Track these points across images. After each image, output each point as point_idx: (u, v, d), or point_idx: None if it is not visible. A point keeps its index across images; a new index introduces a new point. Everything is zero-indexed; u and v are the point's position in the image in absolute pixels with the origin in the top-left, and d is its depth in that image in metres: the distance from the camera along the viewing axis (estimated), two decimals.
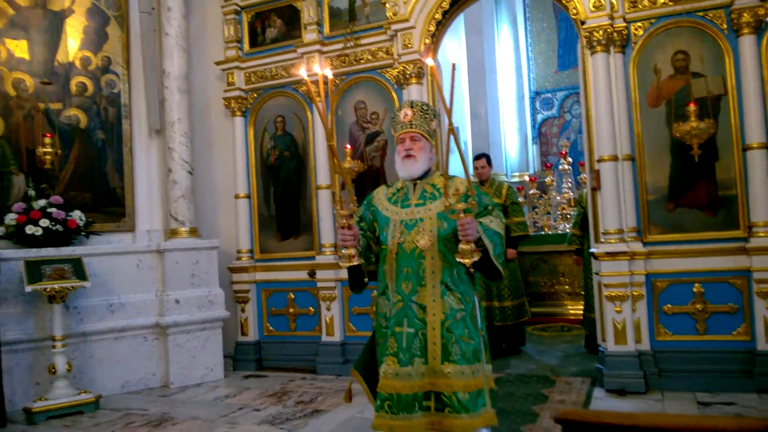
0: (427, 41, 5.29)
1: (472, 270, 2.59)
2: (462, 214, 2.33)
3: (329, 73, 2.35)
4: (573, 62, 10.80)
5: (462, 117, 10.10)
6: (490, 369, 2.70)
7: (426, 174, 2.75)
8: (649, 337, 4.65)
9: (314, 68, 2.38)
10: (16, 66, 5.32)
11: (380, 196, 2.85)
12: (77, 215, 5.28)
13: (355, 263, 2.53)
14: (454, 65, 2.16)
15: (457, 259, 2.39)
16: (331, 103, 5.79)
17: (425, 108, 2.74)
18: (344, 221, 2.48)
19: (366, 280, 2.81)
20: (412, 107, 2.72)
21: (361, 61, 5.67)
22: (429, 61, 2.29)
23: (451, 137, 2.24)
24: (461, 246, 2.35)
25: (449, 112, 2.23)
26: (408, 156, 2.69)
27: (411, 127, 2.69)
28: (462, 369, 2.52)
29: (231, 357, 6.14)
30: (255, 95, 6.19)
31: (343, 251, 2.52)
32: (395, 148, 2.79)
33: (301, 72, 2.54)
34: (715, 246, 4.50)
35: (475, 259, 2.35)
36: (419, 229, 2.61)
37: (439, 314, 2.57)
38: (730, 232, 4.49)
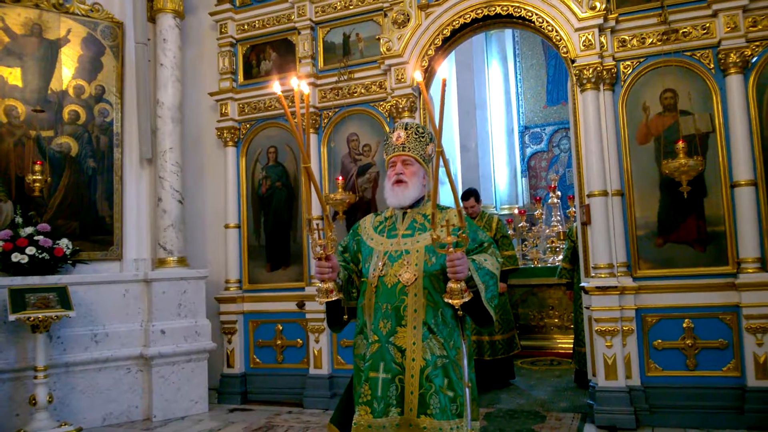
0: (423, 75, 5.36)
1: (460, 312, 2.30)
2: (452, 249, 2.07)
3: (306, 88, 2.16)
4: (561, 98, 11.00)
5: (452, 150, 10.19)
6: (477, 427, 2.42)
7: (418, 203, 2.51)
8: (640, 373, 4.63)
9: (291, 82, 2.20)
10: (9, 93, 5.32)
11: (367, 224, 2.61)
12: (64, 243, 5.21)
13: (333, 298, 2.28)
14: (444, 81, 1.95)
15: (445, 299, 2.14)
16: (324, 134, 5.85)
17: (420, 131, 2.49)
18: (321, 252, 2.22)
19: (345, 317, 2.54)
20: (406, 129, 2.48)
21: (355, 95, 5.73)
22: (417, 75, 2.06)
23: (441, 162, 2.00)
24: (450, 285, 2.10)
25: (438, 133, 2.00)
26: (398, 181, 2.45)
27: (403, 150, 2.45)
28: (440, 425, 2.24)
29: (216, 389, 6.02)
30: (248, 126, 6.21)
31: (320, 285, 2.28)
32: (386, 174, 2.54)
33: (275, 87, 2.18)
34: (704, 281, 4.52)
35: (465, 299, 2.10)
36: (404, 262, 2.37)
37: (419, 360, 2.29)
38: (719, 267, 4.52)
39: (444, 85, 1.95)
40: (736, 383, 4.42)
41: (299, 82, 2.15)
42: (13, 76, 5.35)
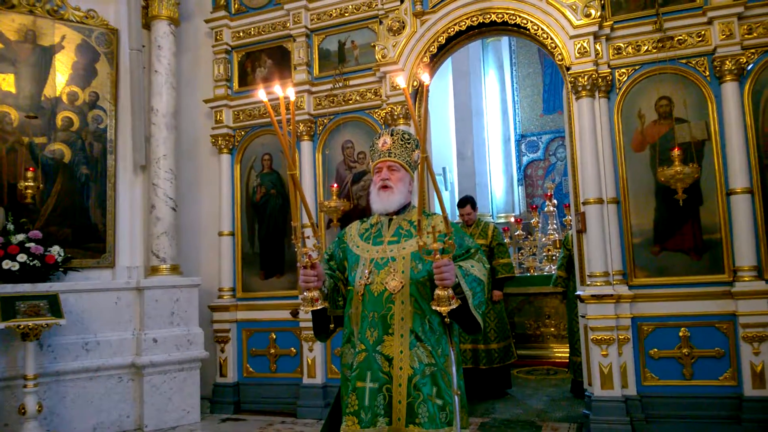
0: (415, 83, 5.34)
1: (447, 320, 2.27)
2: (438, 255, 2.05)
3: (292, 94, 2.14)
4: (558, 106, 11.03)
5: (449, 158, 10.19)
6: None
7: (404, 209, 2.49)
8: (636, 382, 4.59)
9: (275, 89, 2.18)
10: (2, 99, 5.28)
11: (353, 232, 2.59)
12: (56, 251, 5.16)
13: (319, 307, 2.25)
14: (427, 86, 2.00)
15: (433, 307, 2.12)
16: (319, 142, 5.83)
17: (406, 137, 2.47)
18: (306, 260, 2.19)
19: (332, 326, 2.51)
20: (392, 135, 2.47)
21: (350, 102, 5.71)
22: (400, 81, 2.07)
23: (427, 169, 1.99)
24: (437, 292, 2.08)
25: (423, 138, 2.02)
26: (384, 187, 2.43)
27: (389, 156, 2.44)
28: None
29: (208, 399, 5.95)
30: (243, 133, 6.19)
31: (305, 294, 2.24)
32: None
33: (260, 94, 2.17)
34: (700, 290, 4.50)
35: (453, 307, 2.08)
36: (390, 270, 2.34)
37: (406, 368, 2.26)
38: (715, 276, 4.49)
39: (426, 90, 1.97)
40: (733, 392, 4.38)
41: (285, 90, 2.12)
42: (7, 82, 5.33)
